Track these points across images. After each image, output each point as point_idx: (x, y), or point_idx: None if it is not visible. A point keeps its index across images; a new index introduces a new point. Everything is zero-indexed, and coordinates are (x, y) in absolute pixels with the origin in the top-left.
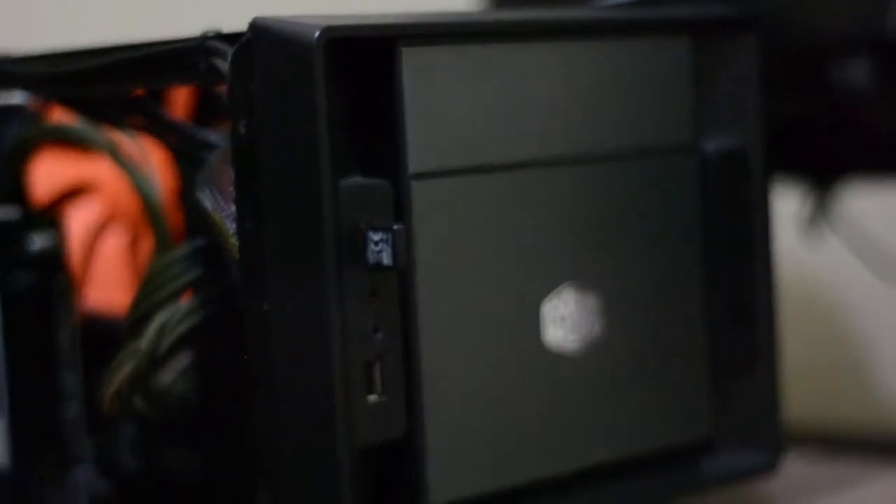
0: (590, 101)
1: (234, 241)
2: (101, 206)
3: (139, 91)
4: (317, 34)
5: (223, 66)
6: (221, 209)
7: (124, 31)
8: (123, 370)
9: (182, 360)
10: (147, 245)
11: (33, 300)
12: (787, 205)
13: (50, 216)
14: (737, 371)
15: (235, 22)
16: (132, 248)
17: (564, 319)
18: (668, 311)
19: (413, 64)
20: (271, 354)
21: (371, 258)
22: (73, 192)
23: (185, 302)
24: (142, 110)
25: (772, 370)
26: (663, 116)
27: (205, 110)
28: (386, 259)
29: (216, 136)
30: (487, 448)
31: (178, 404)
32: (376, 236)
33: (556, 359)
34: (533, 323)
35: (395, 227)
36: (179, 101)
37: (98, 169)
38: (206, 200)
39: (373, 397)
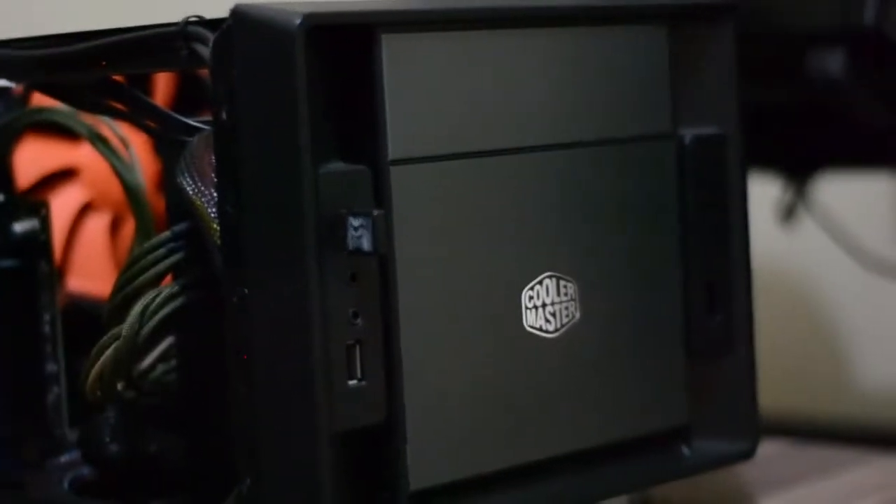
0: (568, 88)
1: (215, 226)
2: (82, 191)
3: (120, 77)
4: (298, 21)
5: (204, 51)
6: (203, 194)
7: (110, 19)
8: (105, 355)
9: (163, 345)
10: (129, 230)
11: (16, 285)
12: (764, 192)
13: (33, 201)
14: (713, 357)
15: (217, 9)
16: (114, 232)
17: (544, 306)
18: (645, 299)
19: (392, 51)
20: (251, 339)
21: (351, 243)
22: (56, 177)
23: (167, 286)
24: (123, 96)
25: (748, 357)
26: (641, 103)
27: (185, 97)
28: (366, 244)
29: (197, 121)
30: (467, 434)
31: (160, 389)
32: (356, 222)
33: (535, 345)
34: (513, 309)
35: (375, 212)
36: (160, 87)
37: (80, 154)
38: (188, 186)
39: (353, 382)
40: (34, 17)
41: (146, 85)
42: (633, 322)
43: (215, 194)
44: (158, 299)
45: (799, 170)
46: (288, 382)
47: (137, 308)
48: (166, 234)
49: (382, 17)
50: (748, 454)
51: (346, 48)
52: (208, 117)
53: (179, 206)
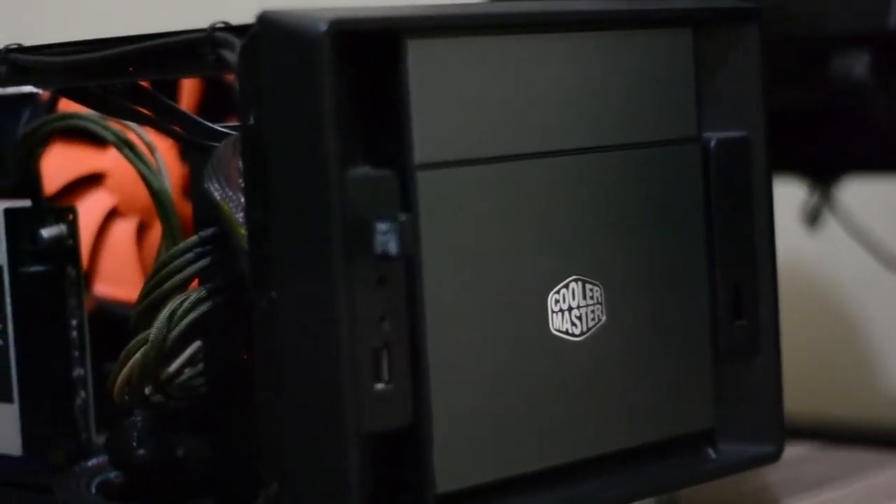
0: (593, 92)
1: (242, 230)
2: (109, 197)
3: (146, 83)
4: (324, 27)
5: (231, 57)
6: (230, 199)
7: (123, 26)
8: (133, 359)
9: (190, 350)
10: (155, 235)
11: (44, 290)
12: (789, 195)
13: (60, 206)
14: (739, 361)
15: (230, 15)
16: (140, 238)
17: (570, 310)
18: (671, 302)
19: (418, 56)
20: (279, 343)
21: (378, 248)
22: (82, 183)
23: (194, 291)
24: (150, 101)
25: (773, 360)
26: (666, 107)
27: (210, 103)
28: (393, 249)
29: (223, 126)
30: (493, 437)
31: (187, 393)
32: (383, 226)
33: (561, 349)
34: (539, 313)
35: (402, 216)
36: (185, 93)
37: (106, 159)
38: (215, 190)
39: (379, 385)
40: (59, 23)
41: (171, 90)
42: (658, 325)
43: (242, 199)
44: (186, 304)
45: (824, 173)
46: (315, 386)
47: (165, 312)
48: (193, 238)
49: (408, 23)
50: (774, 457)
51: (372, 53)
52: (233, 122)
53: (206, 210)
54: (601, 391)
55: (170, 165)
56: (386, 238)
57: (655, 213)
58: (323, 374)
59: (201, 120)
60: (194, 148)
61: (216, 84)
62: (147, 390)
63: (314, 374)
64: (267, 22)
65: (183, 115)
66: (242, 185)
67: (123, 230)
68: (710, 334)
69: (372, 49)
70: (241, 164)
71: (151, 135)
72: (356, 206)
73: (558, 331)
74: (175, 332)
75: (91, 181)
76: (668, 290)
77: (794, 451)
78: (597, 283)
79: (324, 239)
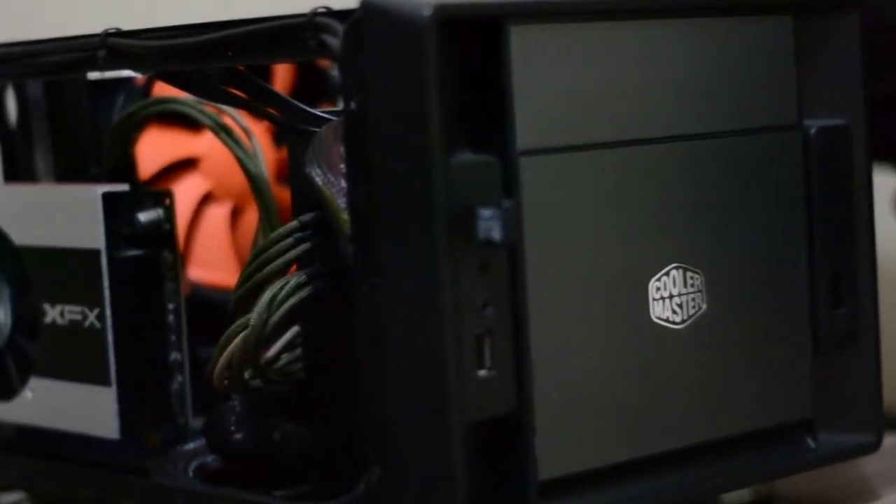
0: (694, 79)
1: (344, 216)
2: (203, 181)
3: (241, 67)
4: (428, 12)
5: (334, 42)
6: (332, 184)
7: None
8: (234, 344)
9: (288, 335)
10: (248, 219)
11: (141, 274)
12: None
13: (157, 191)
14: (838, 350)
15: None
16: (233, 222)
17: (671, 297)
18: (771, 291)
19: (521, 42)
20: (382, 329)
21: (481, 234)
22: (177, 167)
23: (294, 275)
24: (250, 86)
25: (873, 349)
26: (767, 95)
27: (304, 88)
28: (496, 235)
29: (324, 111)
30: (594, 424)
31: (285, 378)
32: (486, 212)
33: (662, 336)
34: (640, 300)
35: (505, 203)
36: (279, 78)
37: (200, 144)
38: (317, 175)
39: (482, 372)
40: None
41: (264, 76)
42: (758, 314)
43: (344, 184)
44: (286, 289)
45: None
46: (418, 373)
47: (266, 297)
48: (294, 223)
49: (511, 9)
50: (873, 447)
51: (475, 39)
52: (329, 108)
53: (305, 195)
54: (701, 380)
55: (264, 150)
56: (489, 224)
57: (755, 200)
58: (426, 361)
59: (300, 105)
60: (292, 132)
61: (309, 68)
62: (246, 374)
63: (417, 361)
64: (370, 7)
65: (282, 99)
66: (344, 170)
67: (217, 215)
68: (810, 323)
69: (475, 34)
70: (342, 149)
71: (246, 119)
72: (459, 192)
73: (659, 318)
74: (275, 317)
75: (185, 166)
76: (768, 278)
77: (892, 440)
78: (698, 270)
79: (427, 225)
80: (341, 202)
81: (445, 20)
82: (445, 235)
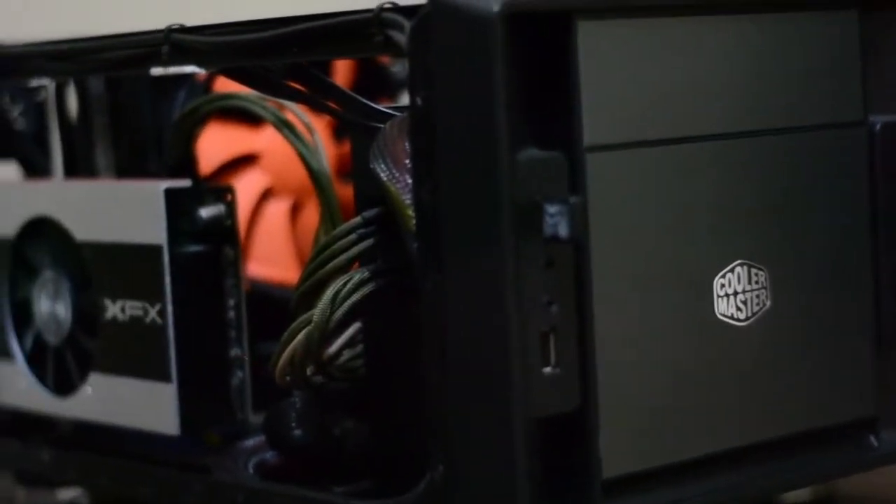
0: (759, 75)
1: (409, 212)
2: (263, 177)
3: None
4: (497, 8)
5: (401, 38)
6: (397, 180)
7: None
8: (296, 340)
9: (350, 331)
10: (307, 216)
11: (203, 270)
12: None
13: (218, 186)
14: None
15: None
16: (293, 218)
17: (736, 294)
18: (835, 287)
19: (589, 37)
20: (446, 325)
21: (547, 230)
22: (237, 163)
23: (357, 272)
24: (311, 81)
25: None
26: (831, 90)
27: (363, 85)
28: (562, 231)
29: (389, 107)
30: (659, 422)
31: (348, 374)
32: (552, 209)
33: (726, 334)
34: (705, 297)
35: (572, 199)
36: (340, 75)
37: (260, 139)
38: (382, 171)
39: (547, 369)
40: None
41: (327, 72)
42: (822, 311)
43: (409, 180)
44: (349, 285)
45: None
46: (483, 369)
47: (329, 293)
48: (357, 219)
49: (579, 4)
50: None
51: (543, 34)
52: (389, 104)
53: (368, 191)
54: (764, 377)
55: (324, 146)
56: (555, 220)
57: (820, 196)
58: (491, 358)
59: (365, 100)
60: (355, 128)
61: (369, 64)
62: (308, 371)
63: (482, 358)
64: (438, 2)
65: (345, 94)
66: (409, 166)
67: (277, 211)
68: (874, 320)
69: (542, 29)
70: (407, 145)
71: (308, 115)
72: (526, 187)
73: (723, 315)
74: (338, 314)
75: (245, 161)
76: (832, 275)
77: None
78: (762, 267)
79: (493, 221)
80: (406, 198)
81: (514, 15)
82: (512, 231)
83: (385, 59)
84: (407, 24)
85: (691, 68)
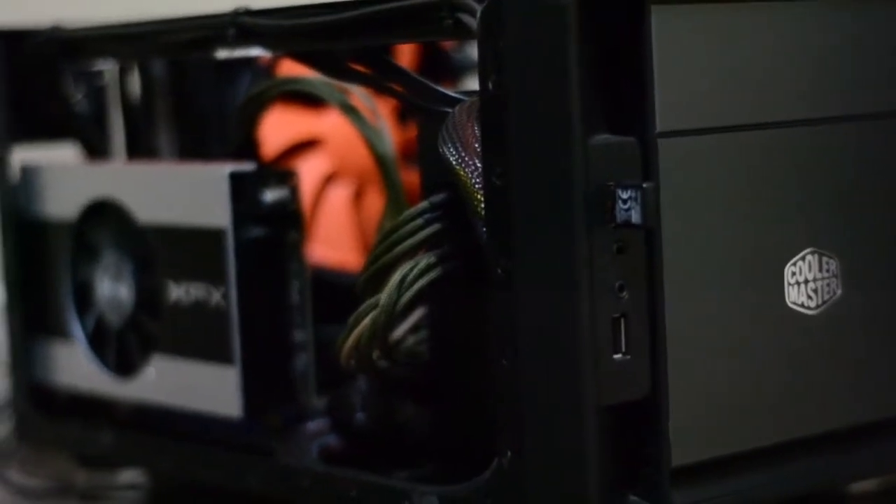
0: (837, 61)
1: (479, 196)
2: (326, 161)
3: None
4: None
5: (472, 22)
6: (466, 164)
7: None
8: (362, 324)
9: (414, 316)
10: (370, 200)
11: (266, 253)
12: None
13: (282, 170)
14: None
15: None
16: (357, 202)
17: (806, 282)
18: None
19: (663, 23)
20: (516, 311)
21: (619, 216)
22: (300, 147)
23: (423, 256)
24: (378, 64)
25: None
26: None
27: (427, 69)
28: (635, 217)
29: (457, 92)
30: (728, 410)
31: (412, 360)
32: (625, 194)
33: (796, 322)
34: (776, 285)
35: (645, 185)
36: (404, 59)
37: (324, 124)
38: (451, 155)
39: (618, 356)
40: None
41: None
42: (893, 300)
43: (479, 165)
44: (416, 270)
45: None
46: (553, 356)
47: (396, 277)
48: (424, 204)
49: None
50: None
51: (617, 18)
52: (451, 88)
53: (435, 175)
54: (834, 366)
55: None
56: (628, 206)
57: (891, 184)
58: (562, 345)
59: (433, 85)
60: (422, 113)
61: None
62: (374, 355)
63: (552, 345)
64: None
65: (413, 78)
66: (479, 150)
67: (339, 195)
68: None
69: (615, 14)
70: (477, 129)
71: (374, 99)
72: (598, 172)
73: (794, 303)
74: (405, 298)
75: (309, 145)
76: None
77: None
78: (833, 255)
79: (565, 206)
80: (476, 183)
81: (587, 0)
82: (583, 217)
83: (447, 45)
84: (478, 7)
85: (766, 54)
